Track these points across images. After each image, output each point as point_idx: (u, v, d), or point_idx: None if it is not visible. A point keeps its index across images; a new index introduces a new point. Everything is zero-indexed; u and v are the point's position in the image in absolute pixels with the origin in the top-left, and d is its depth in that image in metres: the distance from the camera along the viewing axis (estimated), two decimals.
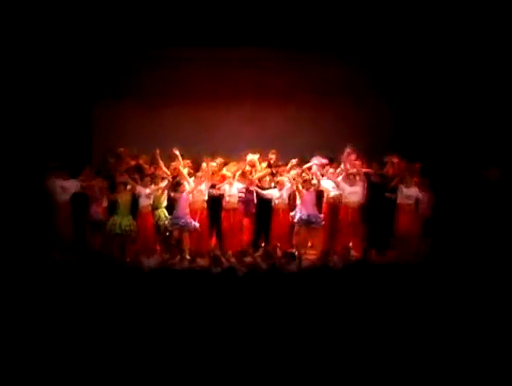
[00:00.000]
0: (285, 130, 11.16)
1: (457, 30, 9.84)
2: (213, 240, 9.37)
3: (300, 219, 8.99)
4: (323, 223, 9.13)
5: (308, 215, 8.98)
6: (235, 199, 9.17)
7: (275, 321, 5.16)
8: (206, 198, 9.14)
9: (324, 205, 9.45)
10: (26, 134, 9.82)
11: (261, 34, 10.07)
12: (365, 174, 9.30)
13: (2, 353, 4.90)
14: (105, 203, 9.04)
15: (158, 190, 8.99)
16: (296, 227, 9.08)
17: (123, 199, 8.86)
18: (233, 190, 9.18)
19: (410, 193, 9.11)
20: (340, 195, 9.26)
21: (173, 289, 5.52)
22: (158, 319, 5.16)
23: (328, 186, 9.40)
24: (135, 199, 8.98)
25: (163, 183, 9.04)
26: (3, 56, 9.52)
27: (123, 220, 8.77)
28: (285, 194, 9.20)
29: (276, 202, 9.17)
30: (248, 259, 8.75)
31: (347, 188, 9.15)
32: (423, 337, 5.13)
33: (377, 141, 10.70)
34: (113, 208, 8.93)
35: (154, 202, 9.04)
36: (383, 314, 5.33)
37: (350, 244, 9.20)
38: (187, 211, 8.91)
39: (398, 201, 9.18)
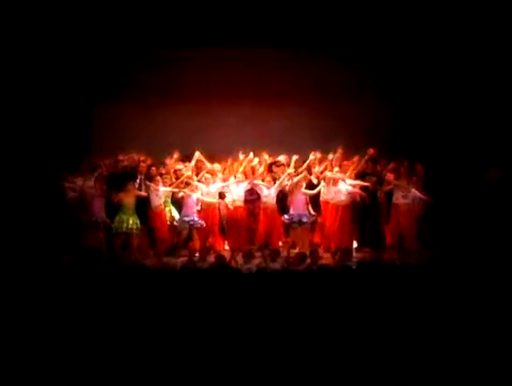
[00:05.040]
0: (285, 130, 11.14)
1: (457, 31, 9.84)
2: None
3: (292, 220, 9.04)
4: (312, 219, 9.21)
5: (299, 215, 9.04)
6: (241, 198, 9.37)
7: (276, 321, 5.16)
8: (217, 199, 9.40)
9: (321, 205, 9.52)
10: (26, 135, 9.79)
11: (261, 34, 10.06)
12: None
13: (5, 353, 4.90)
14: (103, 202, 9.11)
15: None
16: (290, 229, 9.17)
17: (128, 199, 8.96)
18: (239, 190, 9.32)
19: (406, 194, 9.12)
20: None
21: (176, 288, 5.54)
22: (161, 319, 5.16)
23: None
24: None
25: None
26: (3, 57, 9.49)
27: (129, 219, 8.88)
28: (273, 192, 9.23)
29: (264, 200, 9.25)
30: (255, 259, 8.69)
31: (332, 188, 9.21)
32: (423, 337, 5.13)
33: (377, 140, 10.67)
34: (116, 208, 9.02)
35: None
36: (381, 314, 5.33)
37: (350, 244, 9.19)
38: (195, 210, 9.07)
39: (395, 201, 9.20)
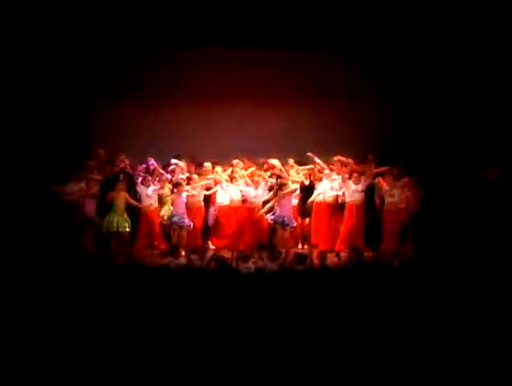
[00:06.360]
0: (285, 130, 11.16)
1: (457, 31, 9.83)
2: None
3: (275, 220, 9.11)
4: (295, 225, 9.27)
5: (283, 217, 9.08)
6: (238, 198, 9.52)
7: (276, 321, 5.15)
8: (202, 198, 9.47)
9: (323, 206, 9.58)
10: (26, 135, 9.79)
11: (261, 34, 10.07)
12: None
13: (2, 353, 4.88)
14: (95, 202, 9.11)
15: (160, 190, 9.26)
16: (275, 229, 9.22)
17: (118, 199, 8.94)
18: (236, 190, 9.37)
19: (392, 192, 9.18)
20: (337, 195, 9.38)
21: (171, 288, 5.52)
22: (157, 320, 5.14)
23: (326, 187, 9.47)
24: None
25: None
26: (3, 57, 9.49)
27: (119, 219, 8.87)
28: (260, 192, 9.27)
29: (252, 200, 9.29)
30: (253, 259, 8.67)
31: (352, 187, 9.22)
32: (421, 337, 5.12)
33: (377, 140, 10.69)
34: (107, 207, 9.02)
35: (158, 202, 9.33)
36: (380, 314, 5.32)
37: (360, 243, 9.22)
38: (184, 210, 9.12)
39: (385, 201, 9.26)
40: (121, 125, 10.97)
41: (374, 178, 9.51)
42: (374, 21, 10.02)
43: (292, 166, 9.90)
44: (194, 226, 9.31)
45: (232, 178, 9.74)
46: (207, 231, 9.73)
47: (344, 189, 9.48)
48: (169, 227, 9.24)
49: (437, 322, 5.28)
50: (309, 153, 9.72)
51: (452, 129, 10.24)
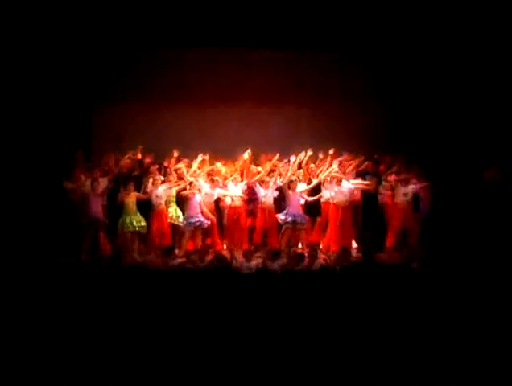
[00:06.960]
0: (284, 131, 11.16)
1: (455, 32, 9.86)
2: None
3: (286, 220, 9.11)
4: (306, 221, 9.27)
5: (294, 216, 9.09)
6: (239, 198, 9.43)
7: (275, 320, 5.16)
8: (214, 198, 9.44)
9: (331, 206, 9.54)
10: (27, 136, 9.80)
11: (261, 35, 10.08)
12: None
13: (7, 353, 4.90)
14: (103, 202, 9.06)
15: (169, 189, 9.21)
16: (283, 228, 9.20)
17: (129, 199, 8.95)
18: (236, 190, 9.39)
19: (407, 191, 9.17)
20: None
21: (179, 289, 5.53)
22: (164, 319, 5.16)
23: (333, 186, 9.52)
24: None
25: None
26: (3, 59, 9.51)
27: (134, 218, 8.87)
28: (270, 192, 9.29)
29: (262, 200, 9.29)
30: (255, 259, 8.66)
31: (334, 188, 9.25)
32: (420, 337, 5.13)
33: (376, 141, 10.71)
34: (119, 208, 9.00)
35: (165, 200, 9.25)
36: (380, 314, 5.33)
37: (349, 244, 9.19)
38: (199, 210, 9.10)
39: (395, 200, 9.23)
40: (122, 126, 10.99)
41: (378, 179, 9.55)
42: (374, 23, 10.03)
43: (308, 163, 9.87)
44: (211, 224, 9.30)
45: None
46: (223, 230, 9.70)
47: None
48: (181, 229, 9.20)
49: (437, 322, 5.30)
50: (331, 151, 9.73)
51: (452, 129, 10.26)
